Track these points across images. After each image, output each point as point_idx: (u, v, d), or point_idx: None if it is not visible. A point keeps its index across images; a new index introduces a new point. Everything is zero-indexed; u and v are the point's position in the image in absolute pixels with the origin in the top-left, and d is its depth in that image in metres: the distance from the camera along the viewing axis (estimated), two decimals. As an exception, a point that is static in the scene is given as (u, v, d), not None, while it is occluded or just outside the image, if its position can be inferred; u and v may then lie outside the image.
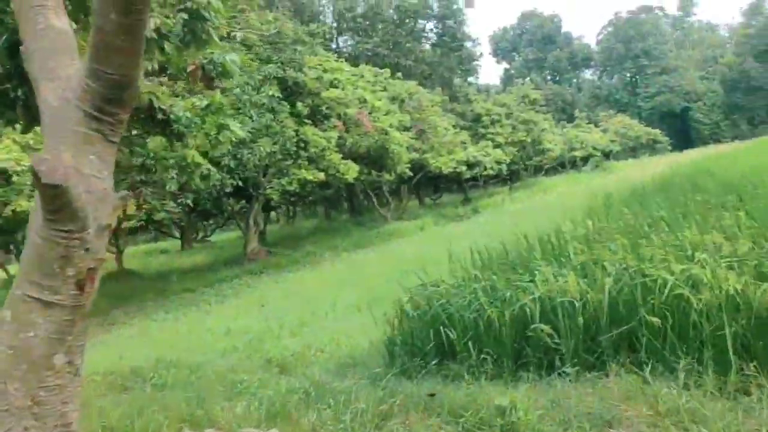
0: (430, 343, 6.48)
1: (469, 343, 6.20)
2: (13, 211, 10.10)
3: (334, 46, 49.08)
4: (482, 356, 6.14)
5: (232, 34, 15.27)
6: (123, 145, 7.63)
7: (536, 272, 6.62)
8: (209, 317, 13.38)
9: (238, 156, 15.89)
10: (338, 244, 24.58)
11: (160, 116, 7.74)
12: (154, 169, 8.71)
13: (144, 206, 22.73)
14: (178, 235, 38.40)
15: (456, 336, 6.29)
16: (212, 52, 6.47)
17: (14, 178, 9.88)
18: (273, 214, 54.90)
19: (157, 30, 6.40)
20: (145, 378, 7.96)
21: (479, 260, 7.60)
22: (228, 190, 16.03)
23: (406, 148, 27.16)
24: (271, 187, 20.01)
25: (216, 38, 6.62)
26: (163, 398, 7.09)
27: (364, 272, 15.62)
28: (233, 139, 8.75)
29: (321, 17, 46.17)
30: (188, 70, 6.78)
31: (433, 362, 6.35)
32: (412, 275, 8.18)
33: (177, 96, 8.30)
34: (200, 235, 44.74)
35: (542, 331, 5.89)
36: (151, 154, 8.14)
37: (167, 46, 6.60)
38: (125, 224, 30.77)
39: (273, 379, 7.46)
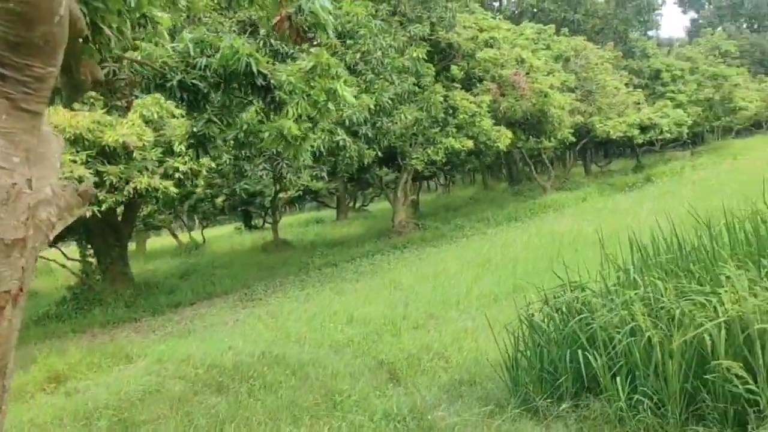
0: (566, 370, 4.83)
1: (618, 378, 4.48)
2: (134, 188, 9.82)
3: (496, 4, 46.47)
4: (636, 397, 4.40)
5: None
6: (217, 117, 6.78)
7: (722, 279, 4.69)
8: (339, 299, 12.52)
9: (378, 124, 14.78)
10: (489, 217, 22.88)
11: (260, 82, 6.69)
12: (249, 144, 7.88)
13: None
14: (334, 205, 38.85)
15: (600, 365, 4.59)
16: (302, -1, 5.25)
17: (135, 155, 9.60)
18: (432, 182, 54.37)
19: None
20: (244, 377, 7.14)
21: (640, 254, 5.70)
22: (367, 161, 15.02)
23: (569, 111, 24.55)
24: (416, 157, 18.76)
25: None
26: (252, 407, 6.18)
27: (510, 252, 13.94)
28: (341, 106, 7.57)
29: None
30: (273, 22, 5.61)
31: (568, 399, 4.71)
32: (558, 263, 6.52)
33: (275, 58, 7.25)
34: (357, 204, 45.10)
35: (729, 370, 4.05)
36: (244, 126, 7.25)
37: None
38: (283, 195, 31.58)
39: (376, 392, 6.26)
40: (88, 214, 9.51)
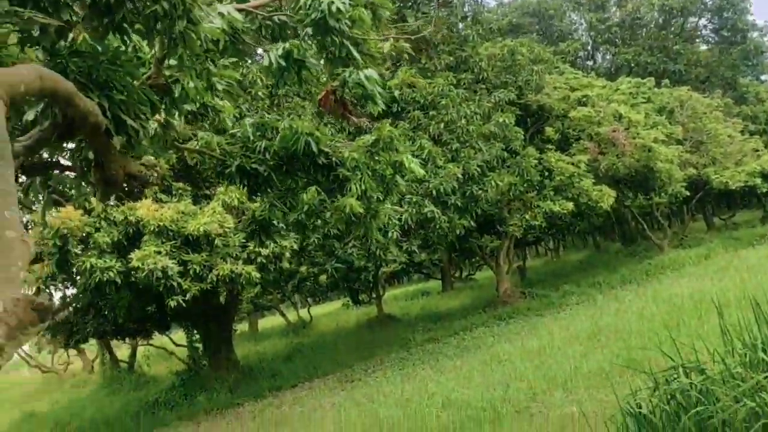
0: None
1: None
2: (217, 275, 9.88)
3: (590, 63, 45.59)
4: None
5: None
6: (280, 200, 6.63)
7: None
8: (438, 378, 11.85)
9: (467, 193, 14.36)
10: (601, 281, 21.48)
11: (322, 160, 6.53)
12: (311, 226, 7.64)
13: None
14: (440, 276, 38.23)
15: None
16: (343, 71, 5.06)
17: (217, 242, 9.72)
18: (540, 247, 52.59)
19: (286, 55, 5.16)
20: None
21: (769, 326, 4.82)
22: (459, 231, 14.52)
23: (679, 164, 23.06)
24: (513, 223, 18.05)
25: (357, 55, 5.15)
26: None
27: (622, 322, 12.76)
28: (405, 180, 7.22)
29: (572, 35, 43.15)
30: (318, 98, 5.46)
31: None
32: (679, 333, 5.69)
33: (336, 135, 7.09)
34: (464, 274, 44.22)
35: None
36: (305, 208, 7.05)
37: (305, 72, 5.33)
38: (385, 268, 31.45)
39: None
40: (173, 304, 9.64)
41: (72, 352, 29.32)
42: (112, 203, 9.63)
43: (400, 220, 12.96)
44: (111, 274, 9.08)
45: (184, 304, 9.69)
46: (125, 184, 3.73)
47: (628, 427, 4.41)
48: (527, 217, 17.84)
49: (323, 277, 31.09)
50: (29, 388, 33.31)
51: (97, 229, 9.47)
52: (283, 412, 12.39)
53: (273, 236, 7.93)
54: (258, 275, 10.18)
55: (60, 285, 10.88)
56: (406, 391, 11.09)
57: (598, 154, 19.32)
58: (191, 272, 9.67)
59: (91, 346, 27.01)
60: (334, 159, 6.42)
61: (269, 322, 39.00)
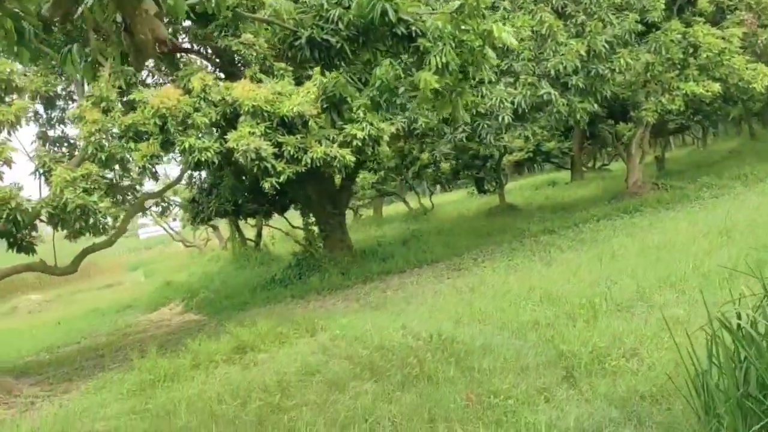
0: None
1: None
2: (311, 158, 9.67)
3: None
4: None
5: None
6: (353, 76, 6.08)
7: None
8: (544, 271, 11.28)
9: (591, 73, 12.94)
10: (748, 173, 19.27)
11: (401, 30, 5.87)
12: (384, 104, 6.89)
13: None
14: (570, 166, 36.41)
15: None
16: None
17: (311, 123, 9.41)
18: (688, 136, 48.22)
19: None
20: (404, 362, 6.51)
21: None
22: (580, 116, 13.21)
23: None
24: (647, 108, 16.27)
25: None
26: (398, 400, 5.54)
27: (763, 217, 11.34)
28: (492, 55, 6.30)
29: None
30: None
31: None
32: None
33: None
34: (598, 164, 41.85)
35: None
36: (377, 83, 6.37)
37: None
38: (509, 157, 30.33)
39: (541, 395, 5.19)
40: (267, 186, 9.61)
41: (211, 229, 31.64)
42: (211, 83, 9.60)
43: (512, 103, 12.01)
44: (209, 154, 9.19)
45: (278, 186, 9.68)
46: (156, 50, 3.40)
47: (722, 340, 3.71)
48: (663, 100, 15.98)
49: (446, 165, 30.81)
50: (176, 261, 36.70)
51: (197, 109, 9.53)
52: (386, 296, 12.47)
53: (344, 114, 7.51)
54: (353, 159, 9.87)
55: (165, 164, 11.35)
56: (509, 283, 10.67)
57: (756, 27, 16.64)
58: (285, 154, 9.56)
59: (226, 225, 28.85)
60: (414, 28, 5.73)
61: (393, 208, 39.59)
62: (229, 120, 9.65)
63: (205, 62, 11.46)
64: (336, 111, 7.22)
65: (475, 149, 19.80)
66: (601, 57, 12.78)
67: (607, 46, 12.65)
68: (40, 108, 10.88)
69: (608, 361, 5.63)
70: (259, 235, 24.60)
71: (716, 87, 15.56)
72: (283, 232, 21.42)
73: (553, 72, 11.90)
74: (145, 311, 19.60)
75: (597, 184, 28.66)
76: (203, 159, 9.18)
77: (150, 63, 11.54)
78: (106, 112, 9.30)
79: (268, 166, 9.18)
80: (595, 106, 13.22)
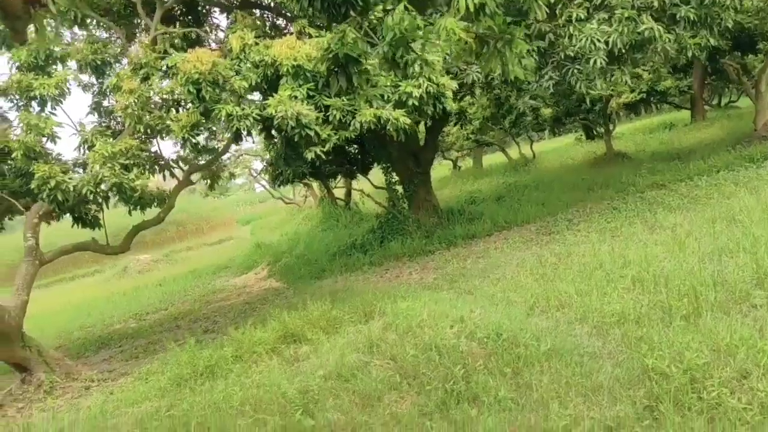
0: None
1: None
2: (360, 123, 8.55)
3: None
4: None
5: None
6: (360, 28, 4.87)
7: None
8: (646, 239, 9.71)
9: (705, 1, 10.79)
10: None
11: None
12: (401, 62, 5.51)
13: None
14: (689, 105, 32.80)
15: None
16: None
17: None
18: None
19: None
20: (451, 372, 5.45)
21: None
22: (692, 53, 11.10)
23: None
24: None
25: None
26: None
27: None
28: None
29: None
30: None
31: None
32: None
33: None
34: (723, 101, 37.64)
35: None
36: (389, 36, 5.05)
37: None
38: (615, 101, 27.60)
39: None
40: (310, 156, 8.61)
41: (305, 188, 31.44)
42: (250, 42, 8.69)
43: (607, 43, 10.26)
44: (248, 122, 8.34)
45: (323, 156, 8.71)
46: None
47: None
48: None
49: (547, 111, 28.61)
50: (277, 218, 37.18)
51: (237, 72, 8.68)
52: (465, 267, 11.35)
53: (354, 78, 6.33)
54: (408, 121, 8.66)
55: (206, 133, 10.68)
56: (601, 254, 9.22)
57: None
58: (331, 119, 8.53)
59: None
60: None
61: (495, 159, 37.74)
62: (271, 82, 8.74)
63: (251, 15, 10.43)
64: (345, 75, 6.09)
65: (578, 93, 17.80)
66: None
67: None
68: (93, 79, 10.44)
69: (707, 387, 4.30)
70: (348, 194, 23.98)
71: None
72: (365, 194, 20.62)
73: (656, 3, 9.98)
74: (235, 274, 19.66)
75: (721, 125, 25.55)
76: (242, 128, 8.36)
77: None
78: (146, 79, 8.69)
79: (311, 133, 8.22)
80: (712, 41, 11.09)
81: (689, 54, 10.81)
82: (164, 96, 8.66)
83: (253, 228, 40.19)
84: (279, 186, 16.53)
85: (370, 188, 21.01)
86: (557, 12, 10.87)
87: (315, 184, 27.61)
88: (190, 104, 8.66)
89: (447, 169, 38.39)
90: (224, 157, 30.71)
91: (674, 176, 15.10)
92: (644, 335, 5.57)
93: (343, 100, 8.58)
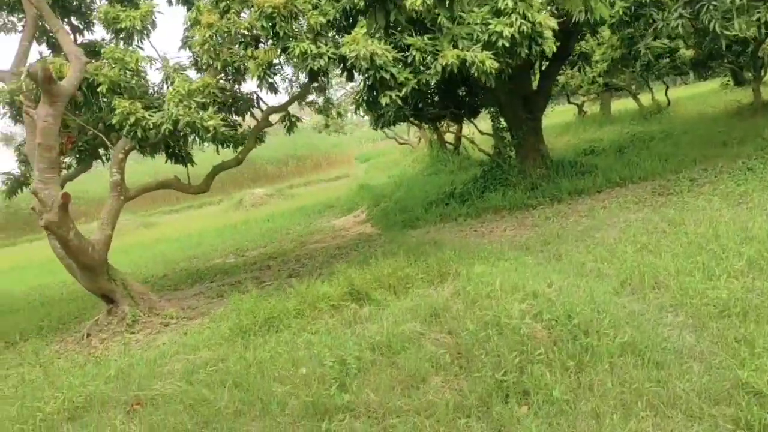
0: None
1: None
2: (442, 66, 7.66)
3: None
4: None
5: None
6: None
7: None
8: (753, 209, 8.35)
9: None
10: None
11: None
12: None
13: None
14: None
15: None
16: None
17: (441, 20, 7.31)
18: None
19: None
20: (506, 359, 4.82)
21: None
22: None
23: None
24: None
25: None
26: None
27: None
28: None
29: None
30: None
31: None
32: None
33: None
34: None
35: None
36: None
37: None
38: (772, 41, 24.24)
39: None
40: (385, 101, 7.83)
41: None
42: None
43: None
44: (322, 62, 7.77)
45: (400, 102, 7.95)
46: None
47: None
48: None
49: (688, 53, 25.75)
50: (391, 158, 36.88)
51: (315, 7, 8.07)
52: (564, 226, 10.41)
53: (393, 13, 5.42)
54: (495, 65, 7.68)
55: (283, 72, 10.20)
56: (720, 225, 8.01)
57: None
58: (410, 60, 7.72)
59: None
60: None
61: (625, 104, 34.89)
62: (352, 18, 8.06)
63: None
64: (383, 10, 5.29)
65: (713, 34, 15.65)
66: None
67: None
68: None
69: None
70: (458, 138, 23.07)
71: None
72: (468, 139, 19.62)
73: None
74: (338, 214, 19.66)
75: None
76: (316, 68, 7.81)
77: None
78: (226, 12, 8.33)
79: (386, 76, 7.51)
80: None
81: None
82: (243, 31, 8.29)
83: (369, 167, 40.25)
84: (381, 128, 16.03)
85: (477, 134, 20.01)
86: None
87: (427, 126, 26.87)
88: (269, 41, 8.23)
89: (572, 114, 36.14)
90: (339, 94, 30.49)
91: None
92: (747, 335, 4.62)
93: (423, 40, 7.77)
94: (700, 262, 6.49)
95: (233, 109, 10.62)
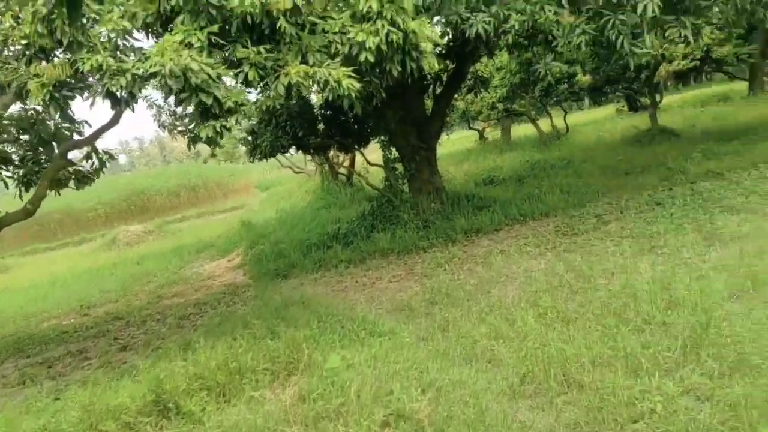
0: None
1: None
2: (285, 85, 5.86)
3: None
4: None
5: None
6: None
7: None
8: (698, 253, 7.02)
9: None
10: None
11: None
12: None
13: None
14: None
15: None
16: None
17: (281, 24, 5.57)
18: None
19: None
20: None
21: None
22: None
23: None
24: None
25: None
26: None
27: None
28: None
29: None
30: None
31: None
32: None
33: None
34: (785, 71, 33.59)
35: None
36: None
37: None
38: (665, 68, 24.24)
39: None
40: (213, 128, 5.89)
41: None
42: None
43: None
44: (123, 81, 5.70)
45: (220, 134, 5.98)
46: None
47: None
48: None
49: (584, 78, 25.37)
50: (286, 188, 34.70)
51: (120, 5, 6.04)
52: (457, 278, 8.76)
53: None
54: (356, 85, 5.76)
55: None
56: (636, 281, 6.56)
57: None
58: (243, 77, 5.73)
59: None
60: None
61: (525, 130, 34.46)
62: (168, 19, 6.07)
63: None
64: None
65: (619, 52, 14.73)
66: None
67: None
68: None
69: None
70: (351, 168, 21.34)
71: None
72: (355, 173, 18.02)
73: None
74: (214, 256, 17.35)
75: (785, 100, 22.20)
76: (116, 88, 5.77)
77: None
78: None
79: (206, 100, 5.57)
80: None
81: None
82: (22, 42, 6.14)
83: (267, 197, 37.83)
84: (258, 159, 14.02)
85: (367, 165, 18.32)
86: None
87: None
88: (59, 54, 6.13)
89: (473, 140, 35.39)
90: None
91: (734, 162, 12.15)
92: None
93: (260, 52, 5.86)
94: (620, 347, 4.89)
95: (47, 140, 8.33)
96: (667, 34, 7.63)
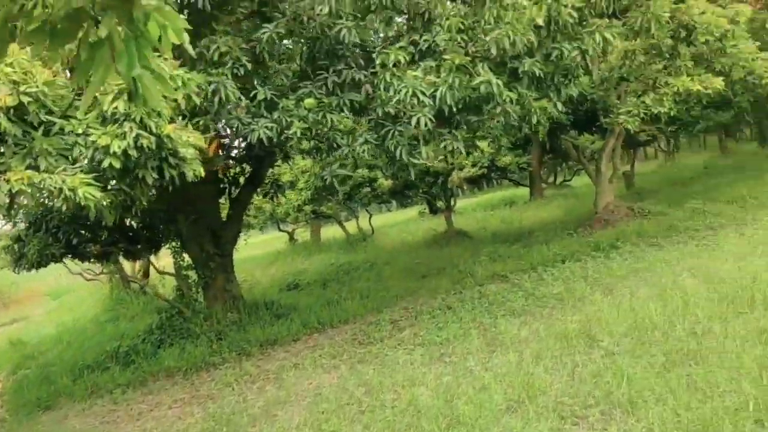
0: None
1: None
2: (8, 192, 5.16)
3: None
4: None
5: None
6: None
7: None
8: (484, 371, 7.01)
9: (554, 55, 8.74)
10: (746, 195, 15.40)
11: None
12: None
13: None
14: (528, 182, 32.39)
15: None
16: None
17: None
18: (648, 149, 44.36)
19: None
20: None
21: None
22: (537, 119, 8.98)
23: None
24: (626, 111, 12.18)
25: None
26: None
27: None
28: None
29: None
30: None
31: None
32: None
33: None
34: (559, 180, 38.05)
35: None
36: None
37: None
38: (457, 174, 26.18)
39: None
40: None
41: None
42: None
43: (434, 98, 7.71)
44: None
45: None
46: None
47: None
48: (648, 101, 11.89)
49: (385, 182, 26.47)
50: (78, 296, 31.44)
51: None
52: (242, 400, 8.00)
53: None
54: (97, 194, 5.24)
55: None
56: (421, 396, 6.33)
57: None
58: None
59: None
60: None
61: (335, 231, 34.98)
62: None
63: None
64: None
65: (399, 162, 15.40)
66: (567, 32, 8.59)
67: (574, 16, 8.45)
68: None
69: None
70: (145, 274, 19.80)
71: (718, 82, 11.48)
72: (145, 283, 16.83)
73: (494, 51, 7.65)
74: (-27, 383, 14.68)
75: (559, 204, 24.80)
76: None
77: None
78: None
79: None
80: (559, 105, 9.01)
81: (534, 120, 8.57)
82: None
83: (58, 305, 33.81)
84: (23, 270, 12.32)
85: (161, 271, 17.07)
86: (375, 56, 8.29)
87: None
88: None
89: (284, 241, 35.08)
90: None
91: (516, 265, 12.93)
92: None
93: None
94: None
95: None
96: (441, 146, 7.95)
